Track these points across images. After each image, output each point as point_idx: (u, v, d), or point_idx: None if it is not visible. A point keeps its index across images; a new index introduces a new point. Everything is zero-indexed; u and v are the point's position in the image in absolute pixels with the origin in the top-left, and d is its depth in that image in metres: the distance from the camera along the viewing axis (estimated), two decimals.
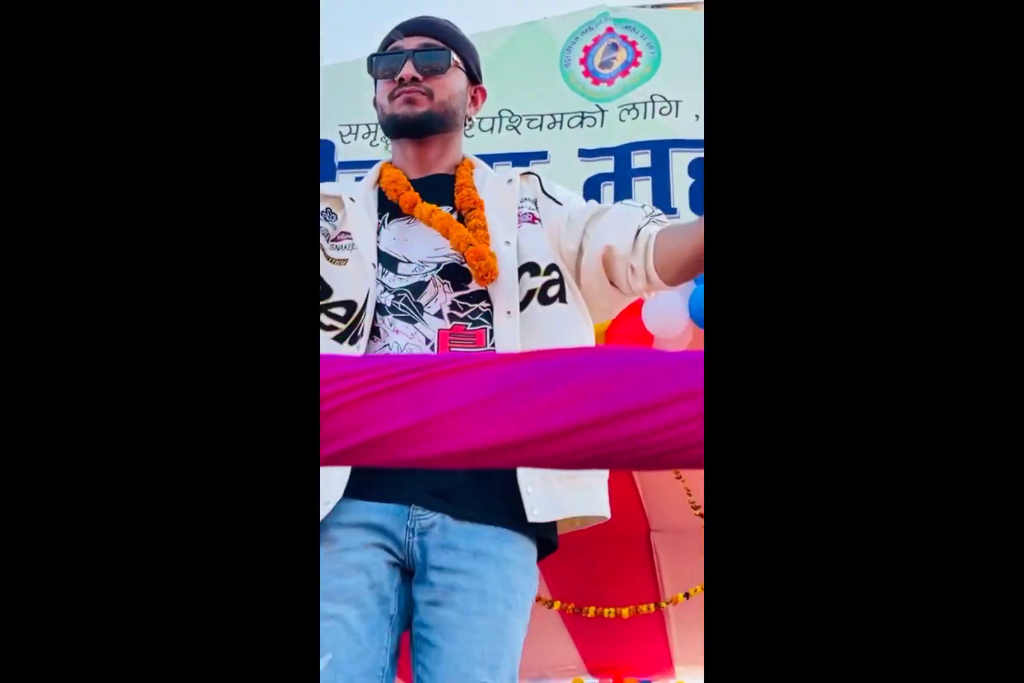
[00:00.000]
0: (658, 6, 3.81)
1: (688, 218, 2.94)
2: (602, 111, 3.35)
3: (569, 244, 1.66)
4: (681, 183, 3.11)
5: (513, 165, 3.02)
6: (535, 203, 1.73)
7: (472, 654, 1.44)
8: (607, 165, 3.19)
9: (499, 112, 3.37)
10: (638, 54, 3.42)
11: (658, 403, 0.75)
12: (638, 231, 1.61)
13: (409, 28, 1.77)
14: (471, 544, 1.50)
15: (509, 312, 1.58)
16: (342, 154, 3.45)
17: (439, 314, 1.60)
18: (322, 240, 1.70)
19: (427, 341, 1.57)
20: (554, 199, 1.73)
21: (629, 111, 3.32)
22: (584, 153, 3.22)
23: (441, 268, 1.63)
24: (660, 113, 3.29)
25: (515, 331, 1.56)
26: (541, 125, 3.37)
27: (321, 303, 1.63)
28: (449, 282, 1.62)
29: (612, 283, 1.67)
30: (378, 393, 0.78)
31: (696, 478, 3.41)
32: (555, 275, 1.65)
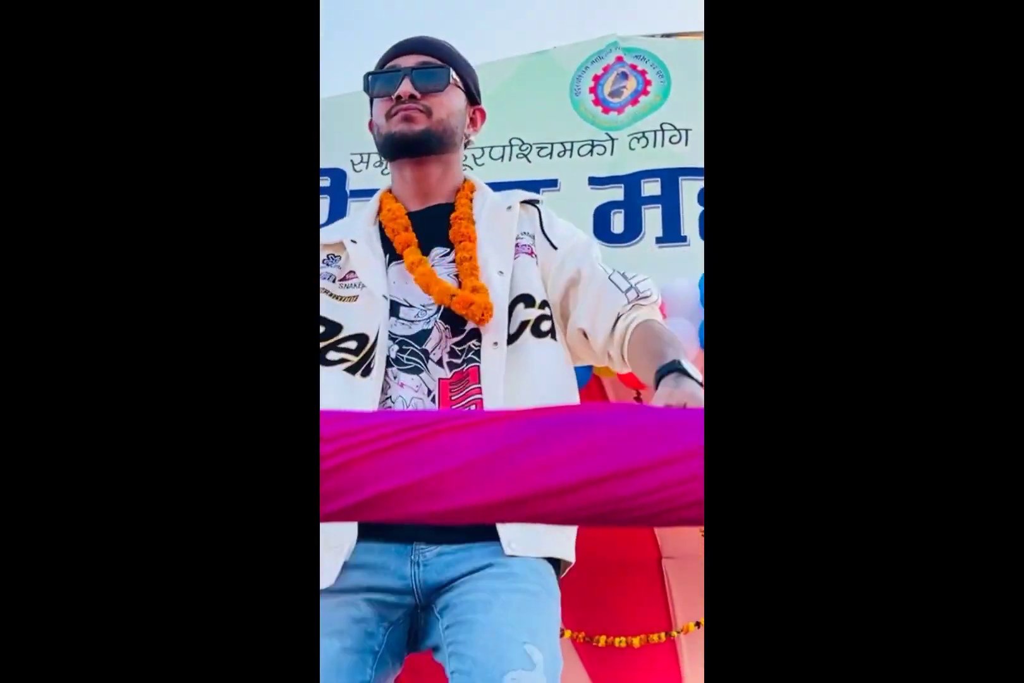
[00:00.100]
0: (668, 35, 3.83)
1: (698, 246, 2.95)
2: (612, 139, 3.37)
3: (554, 295, 1.64)
4: (691, 211, 3.11)
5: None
6: (533, 238, 1.69)
7: (508, 619, 1.39)
8: (617, 193, 3.19)
9: (509, 140, 3.38)
10: (648, 83, 3.44)
11: (657, 462, 0.76)
12: (617, 319, 1.58)
13: (406, 47, 1.74)
14: (483, 554, 1.49)
15: (496, 343, 1.55)
16: (353, 182, 3.47)
17: (440, 362, 1.57)
18: (327, 283, 1.68)
19: (428, 392, 1.55)
20: (550, 241, 1.69)
21: (639, 139, 3.34)
22: (594, 181, 3.23)
23: (442, 311, 1.60)
24: (670, 141, 3.30)
25: (501, 363, 1.53)
26: (551, 153, 3.38)
27: (332, 340, 1.61)
28: (450, 327, 1.59)
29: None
30: (383, 450, 0.79)
31: None
32: (547, 311, 1.63)
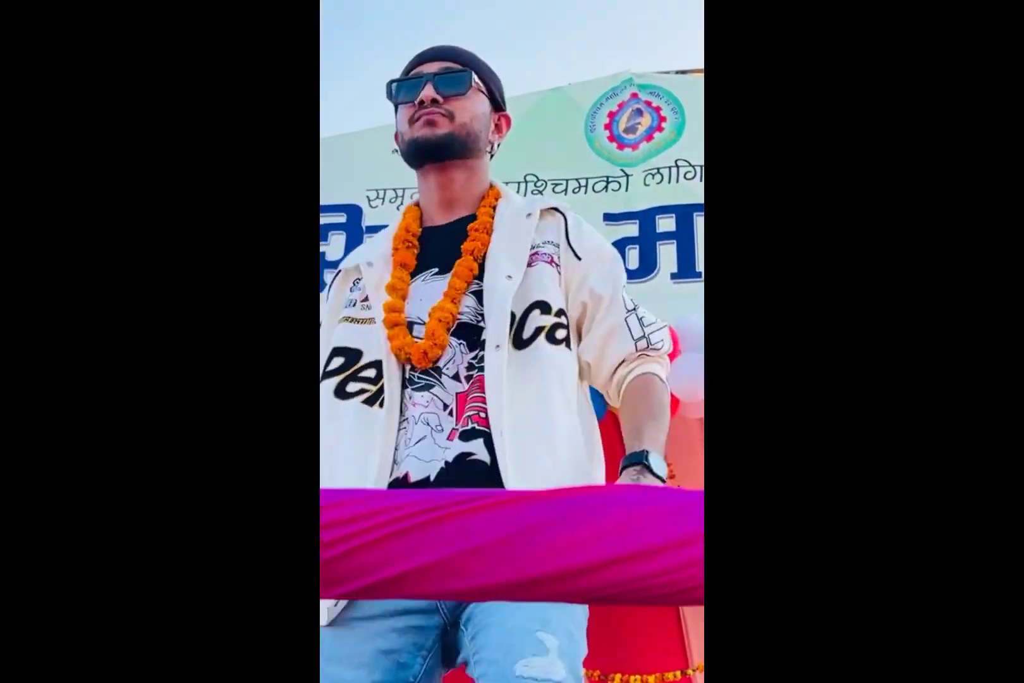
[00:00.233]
0: (682, 72, 3.87)
1: None
2: (627, 176, 3.40)
3: (572, 310, 1.61)
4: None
5: None
6: (557, 247, 1.64)
7: (520, 614, 1.35)
8: (632, 229, 3.21)
9: (524, 177, 3.41)
10: (662, 120, 3.46)
11: (665, 546, 0.78)
12: (620, 364, 1.57)
13: (430, 55, 1.72)
14: None
15: (498, 346, 1.51)
16: (369, 218, 3.50)
17: (456, 377, 1.54)
18: (350, 309, 1.67)
19: (445, 406, 1.52)
20: (574, 251, 1.64)
21: (654, 176, 3.36)
22: (609, 217, 3.24)
23: (455, 328, 1.57)
24: (684, 178, 3.32)
25: (502, 366, 1.49)
26: (566, 189, 3.41)
27: (351, 370, 1.60)
28: (464, 342, 1.56)
29: None
30: (402, 531, 0.81)
31: None
32: (564, 320, 1.59)
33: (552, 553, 0.78)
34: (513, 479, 1.41)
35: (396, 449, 1.51)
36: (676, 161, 3.36)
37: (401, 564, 0.80)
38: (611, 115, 3.53)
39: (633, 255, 3.13)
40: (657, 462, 1.40)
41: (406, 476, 1.48)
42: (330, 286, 1.79)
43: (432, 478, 1.45)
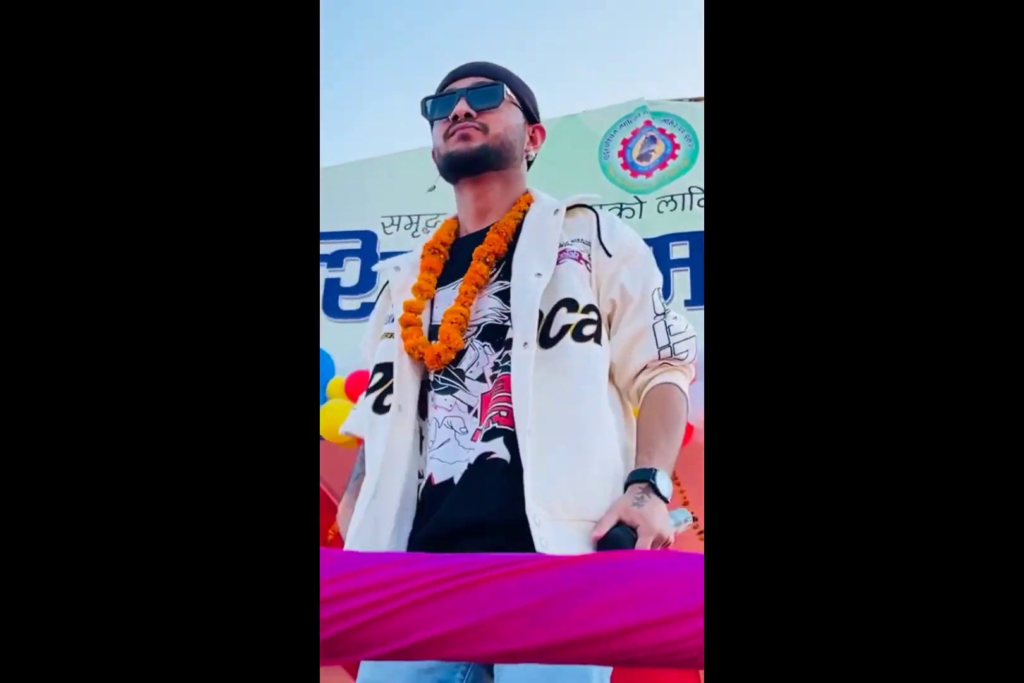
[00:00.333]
0: (695, 99, 3.87)
1: None
2: (640, 203, 3.40)
3: (602, 306, 1.60)
4: None
5: None
6: (588, 245, 1.63)
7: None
8: None
9: None
10: (676, 147, 3.48)
11: (692, 612, 0.79)
12: (643, 369, 1.56)
13: (462, 71, 1.74)
14: None
15: (526, 343, 1.49)
16: (384, 245, 3.52)
17: (482, 378, 1.53)
18: (388, 325, 1.67)
19: (470, 409, 1.51)
20: (605, 248, 1.62)
21: (667, 203, 3.37)
22: None
23: (480, 330, 1.56)
24: (698, 205, 3.32)
25: (529, 364, 1.47)
26: None
27: (386, 385, 1.60)
28: (489, 343, 1.54)
29: None
30: (436, 595, 0.82)
31: None
32: (593, 316, 1.56)
33: (584, 617, 0.80)
34: (532, 477, 1.39)
35: (421, 452, 1.52)
36: (690, 188, 3.37)
37: (434, 628, 0.82)
38: (625, 142, 3.55)
39: None
40: (663, 482, 1.39)
41: (430, 478, 1.48)
42: (376, 303, 1.81)
43: (456, 480, 1.45)
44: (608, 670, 1.41)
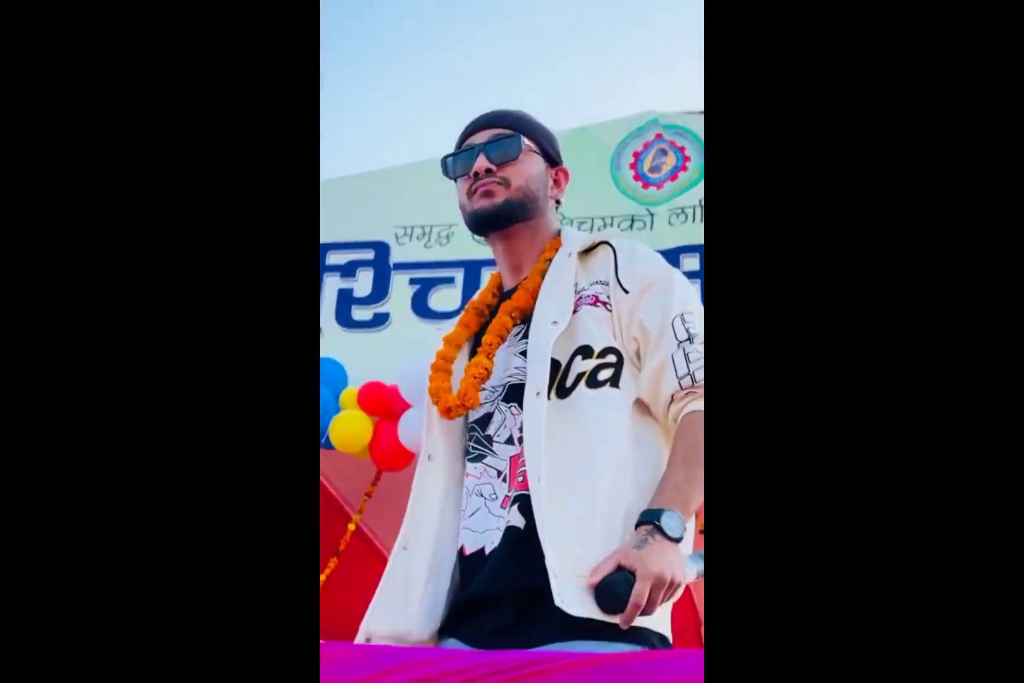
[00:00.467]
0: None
1: None
2: (652, 215, 3.42)
3: (627, 346, 1.55)
4: None
5: None
6: (607, 285, 1.59)
7: None
8: None
9: None
10: (687, 159, 3.49)
11: None
12: (671, 400, 1.50)
13: (479, 124, 1.73)
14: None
15: (538, 393, 1.46)
16: (397, 255, 3.55)
17: (510, 440, 1.51)
18: None
19: (499, 473, 1.49)
20: (623, 287, 1.57)
21: (678, 215, 3.38)
22: None
23: (505, 391, 1.55)
24: None
25: (541, 414, 1.44)
26: (592, 228, 3.44)
27: None
28: (515, 404, 1.52)
29: None
30: None
31: None
32: (610, 359, 1.53)
33: None
34: (551, 546, 1.34)
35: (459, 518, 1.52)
36: (700, 200, 3.37)
37: None
38: (636, 154, 3.57)
39: None
40: (671, 522, 1.34)
41: (462, 549, 1.48)
42: None
43: (487, 550, 1.43)
44: None
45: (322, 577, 3.31)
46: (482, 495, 1.49)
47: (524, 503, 1.40)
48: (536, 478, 1.39)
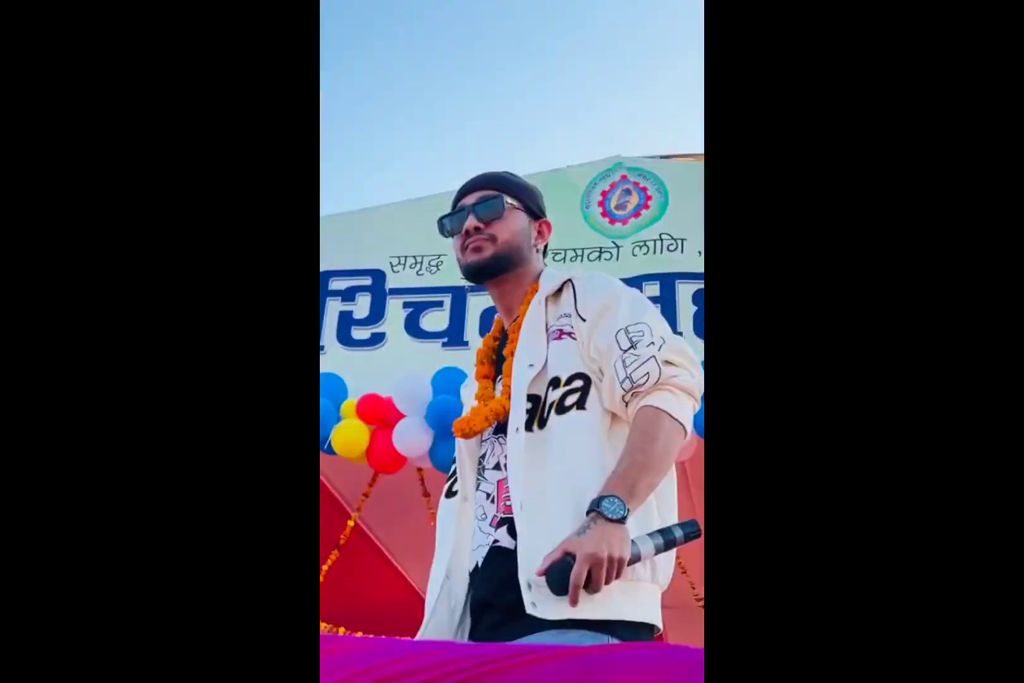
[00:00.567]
0: (666, 157, 4.24)
1: (691, 340, 3.27)
2: (617, 247, 3.80)
3: (593, 367, 1.65)
4: (686, 310, 3.50)
5: None
6: (570, 317, 1.71)
7: None
8: None
9: None
10: (649, 198, 3.88)
11: None
12: (626, 405, 1.60)
13: (469, 187, 1.87)
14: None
15: (517, 429, 1.60)
16: (392, 282, 3.87)
17: (496, 466, 1.65)
18: None
19: (488, 496, 1.64)
20: (581, 317, 1.69)
21: (641, 247, 3.76)
22: None
23: (495, 426, 1.69)
24: (668, 249, 3.71)
25: (518, 447, 1.58)
26: (564, 258, 3.80)
27: (453, 473, 1.77)
28: (503, 434, 1.66)
29: None
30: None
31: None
32: (577, 384, 1.63)
33: None
34: (526, 564, 1.46)
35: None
36: (660, 235, 3.76)
37: None
38: (604, 194, 3.94)
39: None
40: (611, 506, 1.42)
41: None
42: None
43: (479, 565, 1.58)
44: None
45: (324, 567, 3.57)
46: (477, 517, 1.65)
47: (511, 525, 1.54)
48: (518, 505, 1.53)
